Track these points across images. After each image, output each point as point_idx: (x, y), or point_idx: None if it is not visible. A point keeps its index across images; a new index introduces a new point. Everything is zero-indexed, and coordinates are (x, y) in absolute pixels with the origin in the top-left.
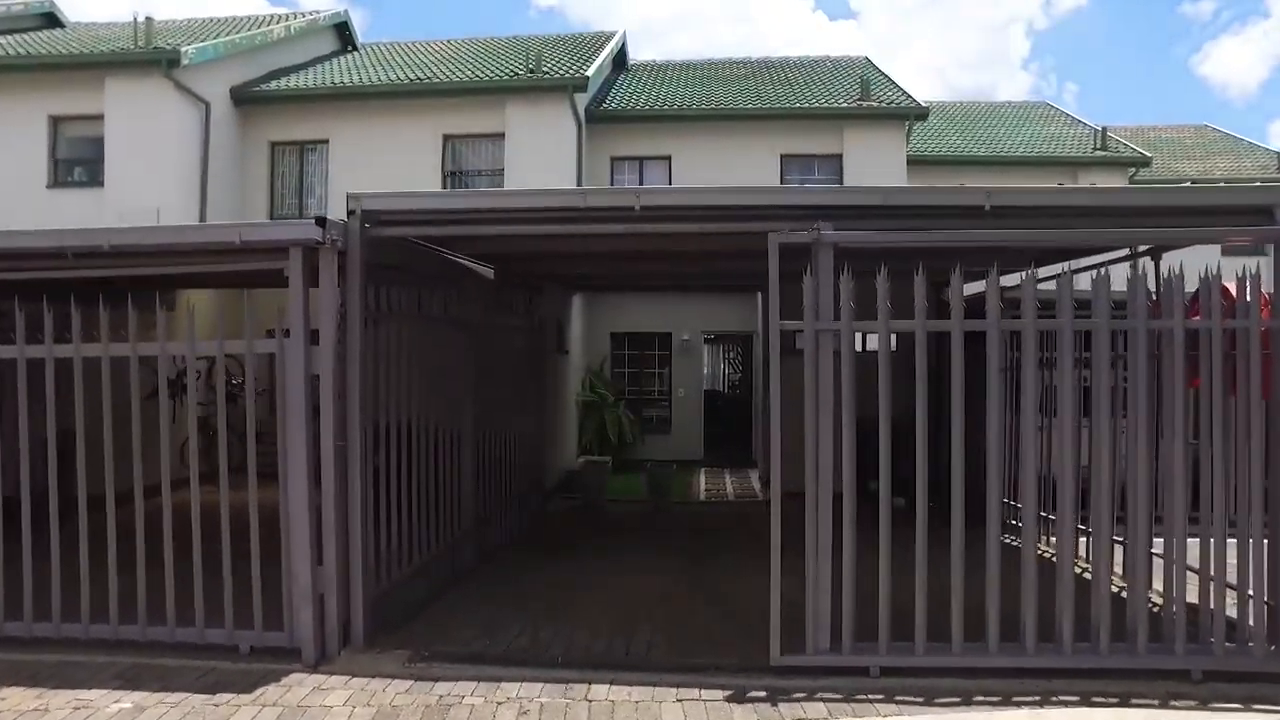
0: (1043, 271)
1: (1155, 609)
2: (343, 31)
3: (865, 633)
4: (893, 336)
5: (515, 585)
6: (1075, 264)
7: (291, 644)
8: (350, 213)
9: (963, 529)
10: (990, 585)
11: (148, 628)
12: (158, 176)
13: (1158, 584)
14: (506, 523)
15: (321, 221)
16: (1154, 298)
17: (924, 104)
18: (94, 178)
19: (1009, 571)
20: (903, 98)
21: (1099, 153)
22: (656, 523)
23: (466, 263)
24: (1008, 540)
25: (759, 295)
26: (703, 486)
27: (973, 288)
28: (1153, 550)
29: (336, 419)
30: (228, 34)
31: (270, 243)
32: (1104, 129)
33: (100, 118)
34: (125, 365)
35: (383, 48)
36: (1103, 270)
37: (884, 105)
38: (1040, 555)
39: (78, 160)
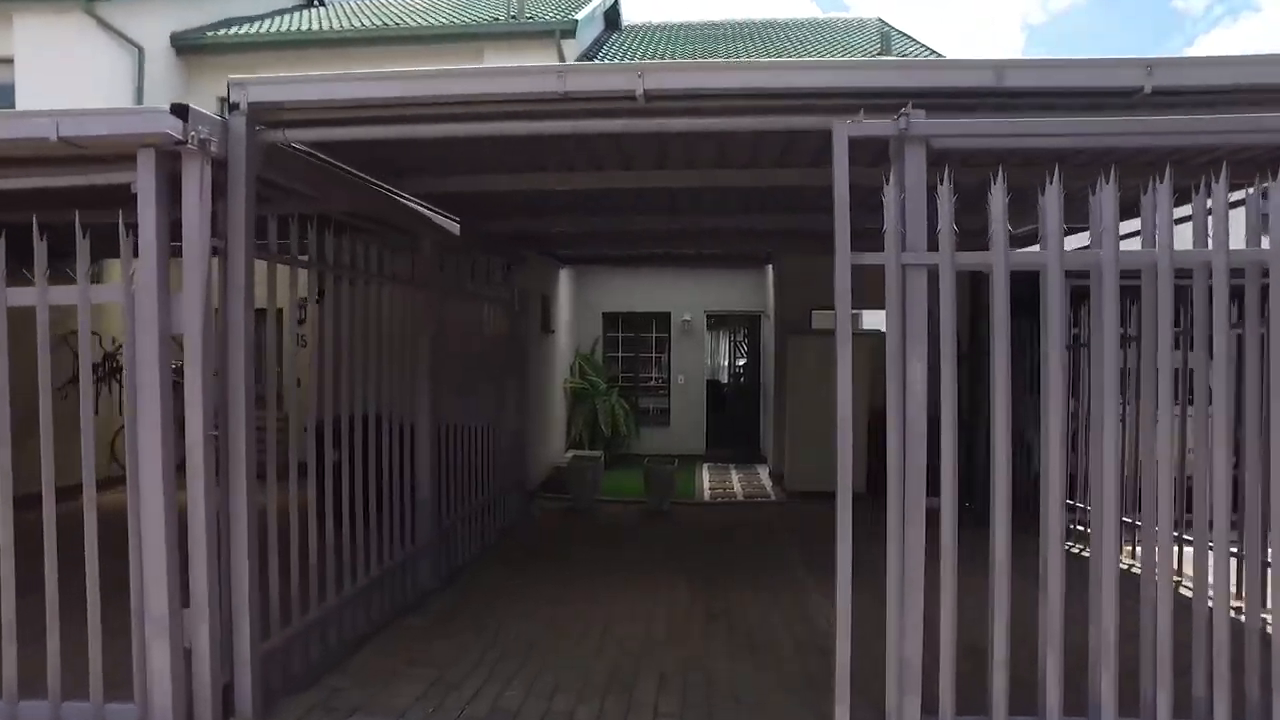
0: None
1: None
2: None
3: (965, 698)
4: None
5: (480, 616)
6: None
7: (144, 719)
8: (233, 107)
9: (1117, 548)
10: (1149, 645)
11: None
12: None
13: None
14: (477, 532)
15: (181, 111)
16: None
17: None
18: None
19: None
20: (927, 53)
21: None
22: (657, 528)
23: (421, 208)
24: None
25: (769, 269)
26: (707, 485)
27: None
28: None
29: (208, 397)
30: None
31: (107, 141)
32: None
33: (10, 61)
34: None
35: (352, 1)
36: None
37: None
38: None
39: None
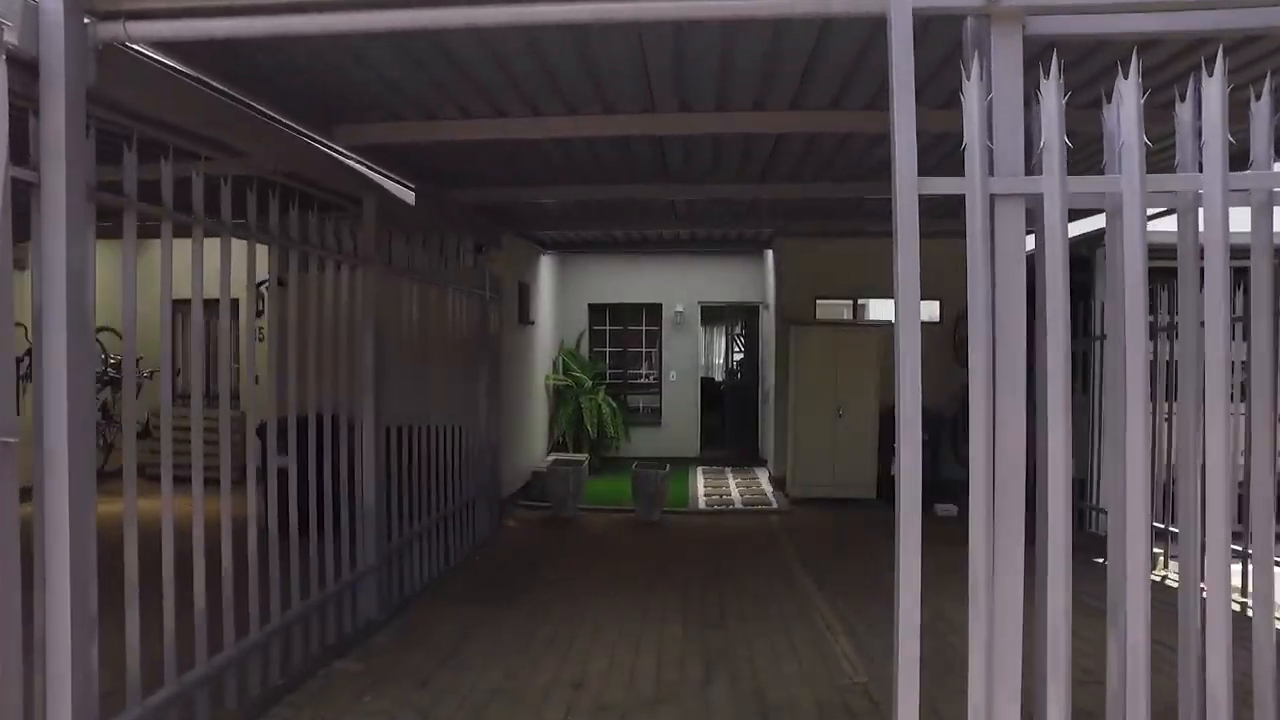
0: None
1: None
2: None
3: None
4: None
5: (427, 660)
6: None
7: None
8: None
9: (1271, 583)
10: None
11: None
12: None
13: None
14: (437, 549)
15: None
16: None
17: None
18: None
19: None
20: None
21: None
22: (646, 542)
23: (363, 167)
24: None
25: (768, 255)
26: (702, 491)
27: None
28: None
29: (5, 392)
30: None
31: None
32: None
33: None
34: None
35: None
36: None
37: None
38: None
39: None
